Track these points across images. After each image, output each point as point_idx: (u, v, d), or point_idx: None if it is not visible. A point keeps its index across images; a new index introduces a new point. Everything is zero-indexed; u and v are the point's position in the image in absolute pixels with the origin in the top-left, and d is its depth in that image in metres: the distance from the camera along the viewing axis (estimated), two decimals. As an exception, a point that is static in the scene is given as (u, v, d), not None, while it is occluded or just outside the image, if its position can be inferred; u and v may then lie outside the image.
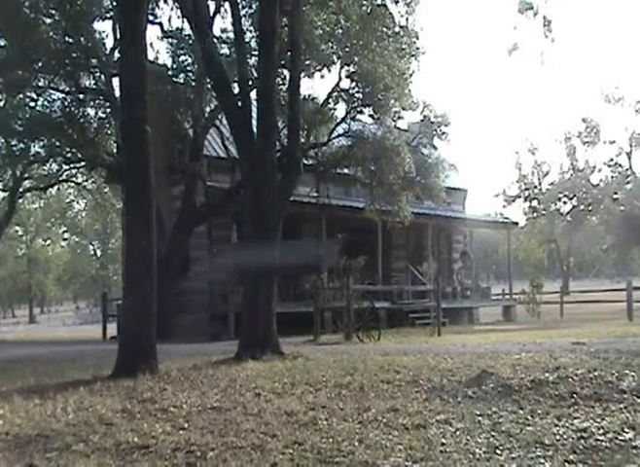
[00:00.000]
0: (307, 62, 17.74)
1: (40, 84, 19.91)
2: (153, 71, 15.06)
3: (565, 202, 56.25)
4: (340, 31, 18.01)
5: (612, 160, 52.80)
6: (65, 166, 24.54)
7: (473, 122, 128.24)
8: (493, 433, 4.99)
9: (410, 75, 18.97)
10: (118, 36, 17.27)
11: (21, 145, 20.77)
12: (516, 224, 35.61)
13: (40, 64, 18.79)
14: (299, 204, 18.99)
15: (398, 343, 14.14)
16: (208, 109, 20.28)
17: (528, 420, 5.37)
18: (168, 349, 11.37)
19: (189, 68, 19.86)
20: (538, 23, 12.79)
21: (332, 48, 18.60)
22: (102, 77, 19.47)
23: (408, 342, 14.34)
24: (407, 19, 17.95)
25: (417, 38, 18.70)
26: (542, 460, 4.30)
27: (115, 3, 17.39)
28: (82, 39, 18.66)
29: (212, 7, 18.92)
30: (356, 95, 19.58)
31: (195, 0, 12.35)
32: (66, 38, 18.78)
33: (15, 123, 19.58)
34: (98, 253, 64.72)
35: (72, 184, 35.91)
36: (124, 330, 9.95)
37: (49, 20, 19.01)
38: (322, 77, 19.40)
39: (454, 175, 26.53)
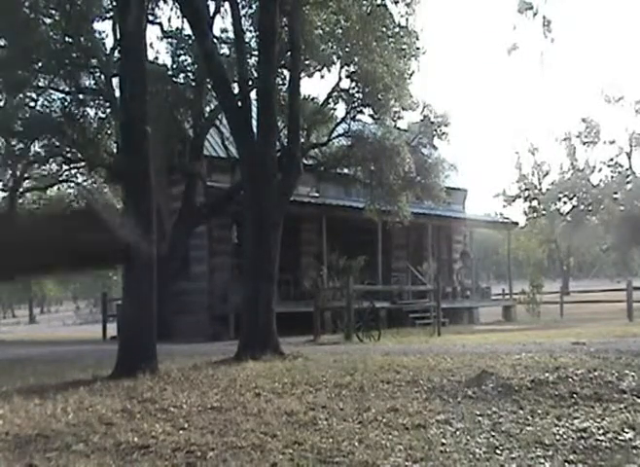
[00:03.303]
0: (307, 62, 17.77)
1: (40, 84, 19.90)
2: (153, 71, 15.07)
3: (565, 202, 56.21)
4: (340, 31, 18.00)
5: (612, 160, 52.87)
6: (65, 166, 24.52)
7: (473, 122, 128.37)
8: (493, 433, 4.99)
9: (410, 75, 18.98)
10: (118, 36, 17.27)
11: (21, 145, 20.75)
12: (516, 224, 35.60)
13: (40, 64, 18.79)
14: (299, 204, 18.99)
15: (398, 343, 14.12)
16: (208, 109, 20.28)
17: (528, 420, 5.37)
18: (168, 349, 11.36)
19: (189, 68, 19.86)
20: (538, 23, 12.86)
21: (332, 48, 18.60)
22: (102, 77, 19.47)
23: (408, 342, 14.32)
24: (407, 20, 17.96)
25: (417, 38, 18.71)
26: (542, 460, 4.30)
27: (115, 3, 17.39)
28: (82, 39, 18.67)
29: (212, 7, 18.95)
30: (356, 95, 19.60)
31: (194, 0, 12.35)
32: (66, 38, 18.79)
33: (15, 123, 19.57)
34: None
35: (72, 184, 35.83)
36: (124, 330, 9.95)
37: (49, 20, 19.02)
38: (322, 77, 19.45)
39: (454, 175, 26.49)
